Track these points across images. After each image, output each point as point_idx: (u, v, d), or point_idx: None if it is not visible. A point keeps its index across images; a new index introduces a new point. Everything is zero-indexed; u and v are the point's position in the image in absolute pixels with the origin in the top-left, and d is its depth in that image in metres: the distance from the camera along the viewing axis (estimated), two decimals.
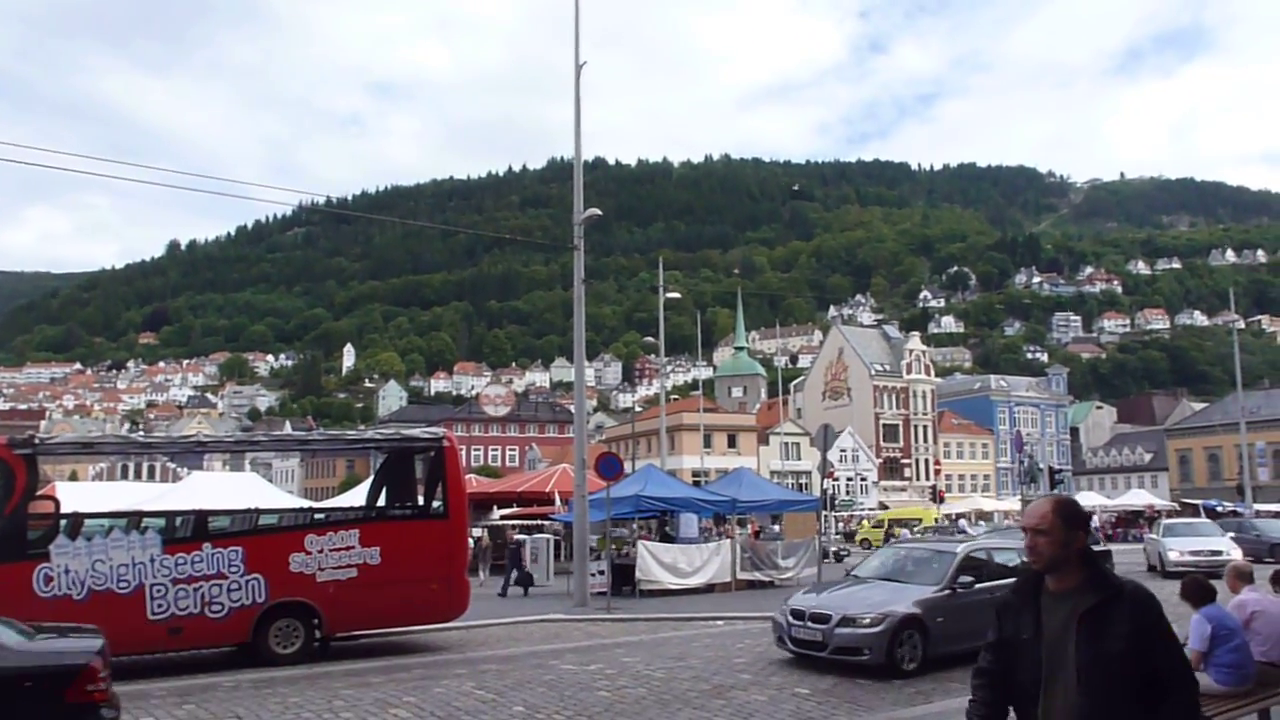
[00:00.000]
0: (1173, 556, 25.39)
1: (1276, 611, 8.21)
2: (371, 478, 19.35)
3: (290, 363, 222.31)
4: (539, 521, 35.13)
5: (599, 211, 21.88)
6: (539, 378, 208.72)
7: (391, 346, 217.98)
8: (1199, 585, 7.73)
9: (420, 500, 15.37)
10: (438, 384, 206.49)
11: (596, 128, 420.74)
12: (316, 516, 15.07)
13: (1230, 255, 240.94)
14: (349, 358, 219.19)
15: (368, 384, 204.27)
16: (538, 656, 13.29)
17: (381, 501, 15.76)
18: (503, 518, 39.63)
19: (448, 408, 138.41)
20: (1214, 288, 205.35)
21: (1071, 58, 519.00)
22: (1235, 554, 23.52)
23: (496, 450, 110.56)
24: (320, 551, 13.48)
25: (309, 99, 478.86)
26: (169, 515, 13.70)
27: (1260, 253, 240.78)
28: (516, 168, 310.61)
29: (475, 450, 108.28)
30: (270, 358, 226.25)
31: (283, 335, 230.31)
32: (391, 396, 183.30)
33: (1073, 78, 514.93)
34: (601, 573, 21.70)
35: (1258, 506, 60.00)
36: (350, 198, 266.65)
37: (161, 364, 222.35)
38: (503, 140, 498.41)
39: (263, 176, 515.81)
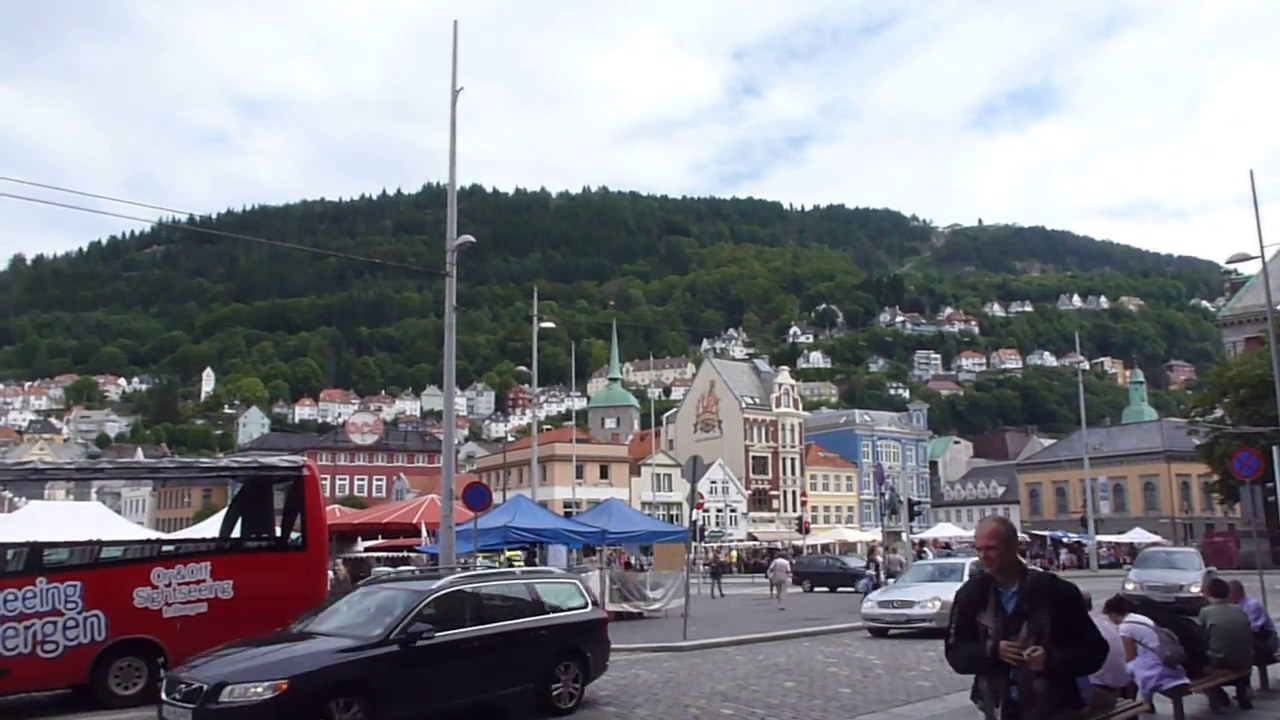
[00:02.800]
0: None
1: (1110, 637, 8.67)
2: (227, 508, 18.57)
3: (145, 386, 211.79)
4: (404, 553, 34.30)
5: (472, 238, 21.69)
6: (409, 406, 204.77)
7: (254, 372, 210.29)
8: None
9: (278, 531, 14.83)
10: (303, 411, 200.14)
11: (474, 155, 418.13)
12: (165, 548, 14.35)
13: (1076, 300, 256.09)
14: (208, 382, 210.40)
15: (228, 410, 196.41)
16: None
17: (237, 533, 15.13)
18: (366, 549, 38.56)
19: (312, 436, 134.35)
20: (1062, 331, 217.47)
21: (934, 109, 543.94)
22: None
23: (363, 480, 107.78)
24: (168, 585, 12.84)
25: (171, 113, 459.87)
26: None
27: (1103, 299, 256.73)
28: (391, 192, 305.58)
29: (341, 480, 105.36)
30: (123, 381, 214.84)
31: (137, 358, 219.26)
32: (253, 424, 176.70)
33: (935, 128, 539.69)
34: None
35: (1099, 538, 63.55)
36: (214, 216, 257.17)
37: (1, 385, 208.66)
38: (376, 163, 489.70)
39: (119, 191, 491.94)
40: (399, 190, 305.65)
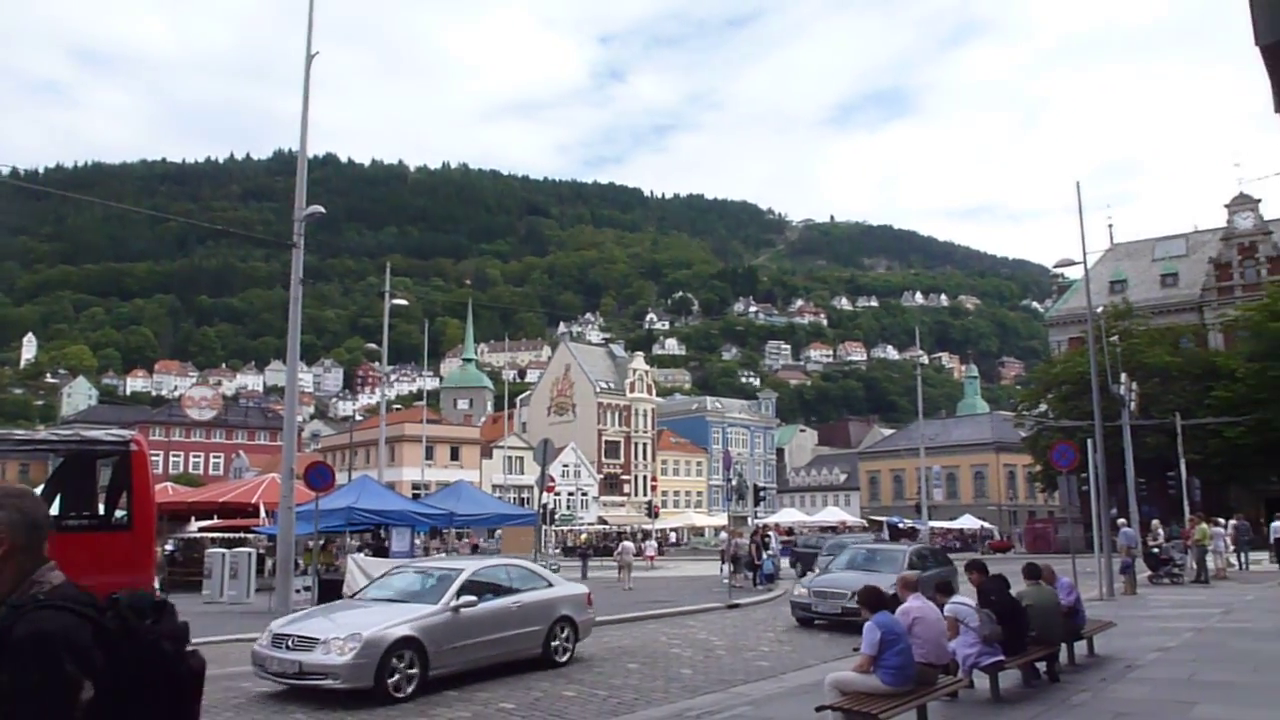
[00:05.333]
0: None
1: (934, 618, 9.12)
2: (44, 484, 17.40)
3: None
4: (241, 534, 33.03)
5: (322, 209, 20.99)
6: (252, 381, 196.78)
7: (83, 339, 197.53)
8: (872, 594, 8.43)
9: (101, 510, 13.97)
10: (135, 383, 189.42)
11: (330, 123, 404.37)
12: None
13: (919, 297, 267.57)
14: (29, 349, 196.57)
15: (50, 380, 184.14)
16: (227, 679, 12.40)
17: (55, 510, 14.17)
18: (201, 529, 36.96)
19: (145, 409, 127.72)
20: (904, 325, 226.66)
21: (794, 105, 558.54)
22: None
23: (200, 457, 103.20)
24: None
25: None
26: None
27: (944, 297, 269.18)
28: (240, 156, 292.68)
29: (175, 457, 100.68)
30: None
31: None
32: (79, 394, 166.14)
33: (794, 124, 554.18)
34: (307, 588, 20.71)
35: (931, 523, 66.75)
36: (42, 170, 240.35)
37: None
38: (226, 126, 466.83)
39: None
40: (249, 155, 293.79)
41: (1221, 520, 33.17)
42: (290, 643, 10.76)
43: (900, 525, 67.93)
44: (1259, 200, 66.18)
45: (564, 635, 13.48)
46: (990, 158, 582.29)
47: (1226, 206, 66.86)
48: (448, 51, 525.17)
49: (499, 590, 12.79)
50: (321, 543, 27.06)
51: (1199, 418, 47.10)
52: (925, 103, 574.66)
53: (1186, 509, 37.04)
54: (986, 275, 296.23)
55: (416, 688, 10.74)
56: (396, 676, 10.57)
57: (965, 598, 10.15)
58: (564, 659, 13.34)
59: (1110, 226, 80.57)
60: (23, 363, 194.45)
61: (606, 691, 11.38)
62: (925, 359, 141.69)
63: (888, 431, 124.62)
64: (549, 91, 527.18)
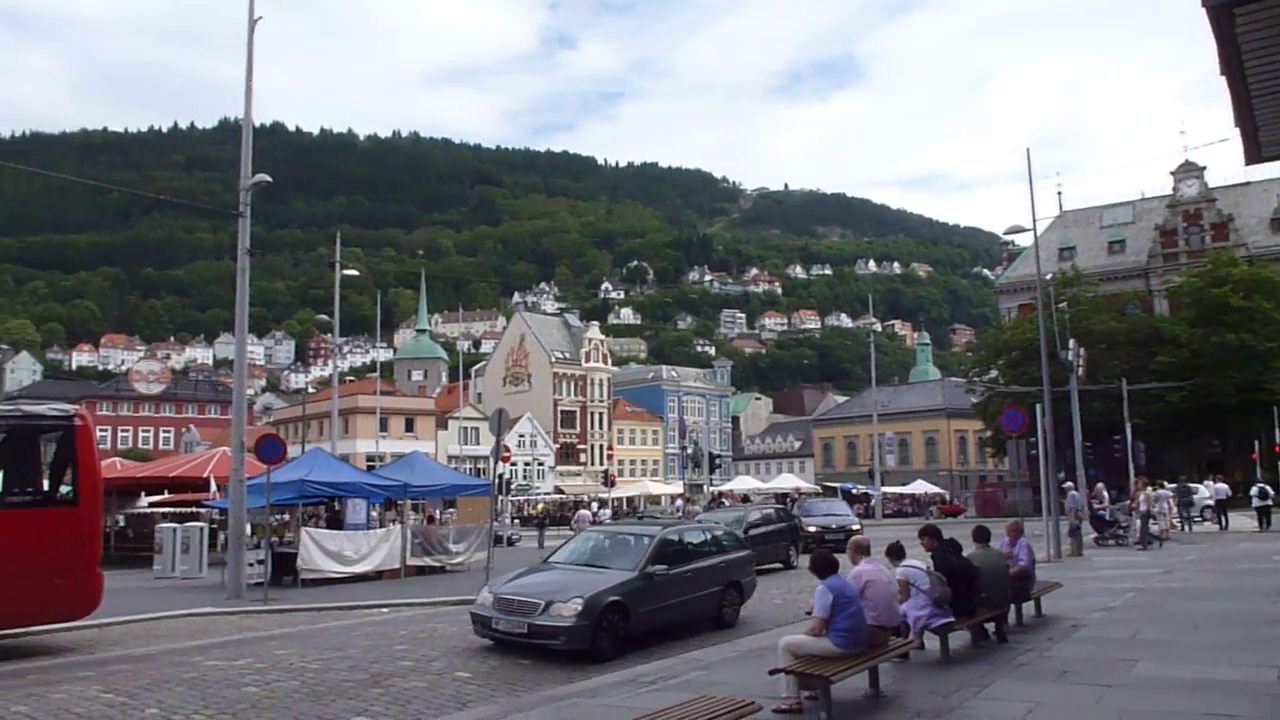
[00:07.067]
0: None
1: (885, 580, 9.25)
2: None
3: None
4: (192, 509, 32.65)
5: (268, 177, 20.59)
6: (201, 354, 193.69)
7: (25, 313, 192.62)
8: (824, 559, 8.53)
9: (45, 485, 13.72)
10: (80, 357, 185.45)
11: (276, 91, 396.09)
12: None
13: (872, 265, 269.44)
14: None
15: None
16: (179, 654, 12.30)
17: None
18: (151, 504, 36.47)
19: (91, 384, 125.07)
20: (857, 293, 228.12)
21: (742, 73, 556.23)
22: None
23: (149, 432, 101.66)
24: None
25: None
26: None
27: (896, 265, 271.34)
28: (183, 125, 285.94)
29: (124, 431, 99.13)
30: None
31: None
32: (23, 369, 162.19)
33: (743, 92, 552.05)
34: (260, 562, 20.53)
35: (884, 489, 67.75)
36: None
37: None
38: (166, 94, 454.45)
39: None
40: (192, 124, 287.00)
41: (1165, 483, 34.03)
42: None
43: (854, 491, 68.87)
44: (1204, 168, 67.38)
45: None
46: (938, 126, 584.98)
47: (1172, 174, 68.01)
48: (388, 14, 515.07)
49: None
50: (284, 517, 26.87)
51: (1144, 383, 48.11)
52: (872, 71, 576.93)
53: (1131, 472, 37.89)
54: (938, 243, 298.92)
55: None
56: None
57: (916, 561, 10.31)
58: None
59: (1059, 194, 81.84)
60: None
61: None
62: (878, 326, 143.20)
63: (841, 399, 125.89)
64: (496, 57, 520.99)
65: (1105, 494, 30.72)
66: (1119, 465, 42.31)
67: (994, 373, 63.23)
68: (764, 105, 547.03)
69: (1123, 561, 22.82)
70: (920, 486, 74.45)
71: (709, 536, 14.79)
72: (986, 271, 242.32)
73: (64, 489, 13.48)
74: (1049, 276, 47.57)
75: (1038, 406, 25.56)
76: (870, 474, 68.39)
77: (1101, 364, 50.81)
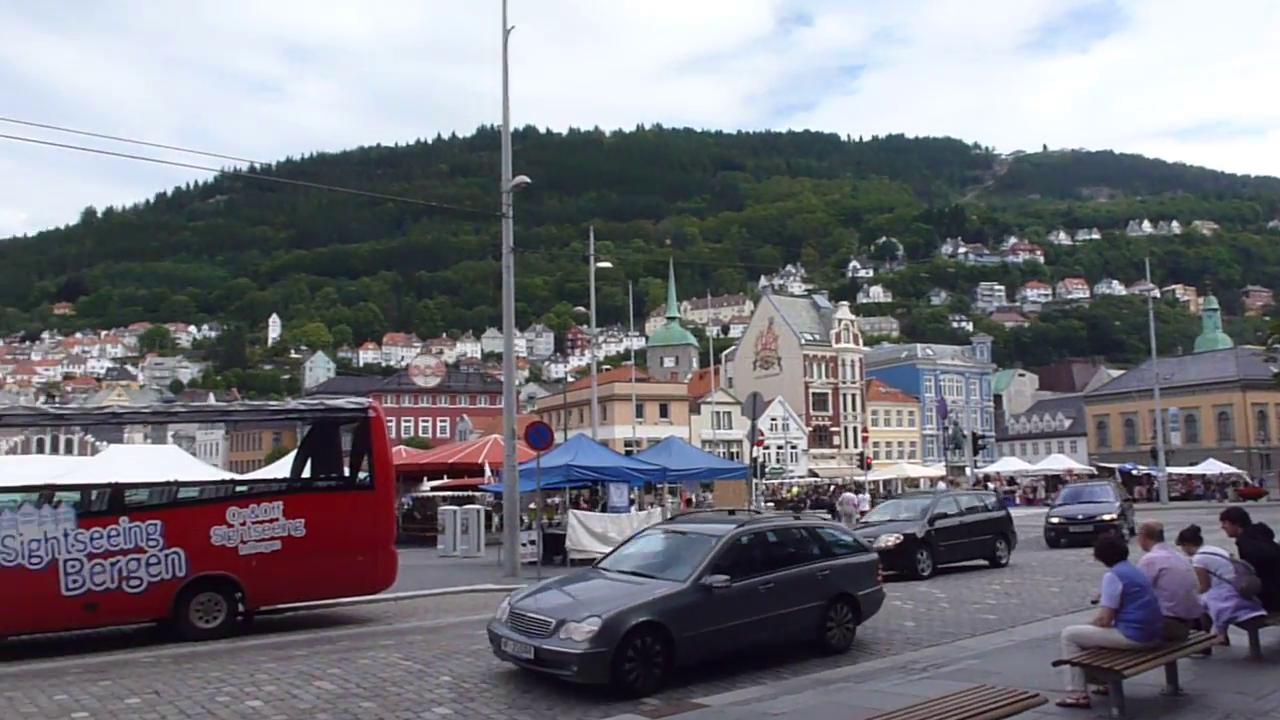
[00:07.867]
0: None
1: (1183, 569, 8.51)
2: (297, 449, 18.99)
3: (213, 334, 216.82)
4: (469, 493, 34.88)
5: (527, 179, 21.62)
6: (470, 348, 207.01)
7: (318, 317, 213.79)
8: (1111, 545, 7.96)
9: (346, 472, 15.14)
10: (366, 355, 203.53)
11: (526, 95, 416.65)
12: (239, 489, 14.73)
13: (1146, 226, 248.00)
14: (274, 328, 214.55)
15: (294, 355, 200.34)
16: (466, 626, 13.22)
17: (307, 473, 15.46)
18: (433, 489, 39.33)
19: (376, 379, 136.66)
20: (1131, 258, 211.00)
21: (989, 32, 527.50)
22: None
23: (427, 422, 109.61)
24: (243, 524, 13.21)
25: (221, 63, 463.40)
26: (84, 489, 13.26)
27: (1175, 224, 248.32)
28: (445, 135, 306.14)
29: (405, 422, 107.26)
30: (192, 328, 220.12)
31: (205, 305, 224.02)
32: (319, 368, 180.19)
33: (992, 51, 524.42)
34: (532, 542, 21.68)
35: (1170, 470, 62.32)
36: (274, 165, 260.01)
37: (78, 335, 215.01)
38: (428, 107, 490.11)
39: (176, 142, 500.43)
40: (453, 134, 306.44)
41: None
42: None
43: (1134, 471, 63.82)
44: None
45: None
46: (1220, 66, 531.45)
47: None
48: (628, 9, 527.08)
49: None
50: (555, 500, 28.27)
51: None
52: (1140, 13, 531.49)
53: None
54: (1224, 197, 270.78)
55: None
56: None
57: (1217, 547, 9.42)
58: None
59: None
60: (270, 341, 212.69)
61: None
62: (1156, 293, 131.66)
63: (1115, 373, 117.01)
64: (733, 41, 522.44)
65: None
66: None
67: None
68: (1015, 63, 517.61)
69: None
70: (1212, 466, 67.91)
71: (806, 535, 11.52)
72: None
73: (362, 474, 14.83)
74: None
75: None
76: (1153, 453, 63.06)
77: None
